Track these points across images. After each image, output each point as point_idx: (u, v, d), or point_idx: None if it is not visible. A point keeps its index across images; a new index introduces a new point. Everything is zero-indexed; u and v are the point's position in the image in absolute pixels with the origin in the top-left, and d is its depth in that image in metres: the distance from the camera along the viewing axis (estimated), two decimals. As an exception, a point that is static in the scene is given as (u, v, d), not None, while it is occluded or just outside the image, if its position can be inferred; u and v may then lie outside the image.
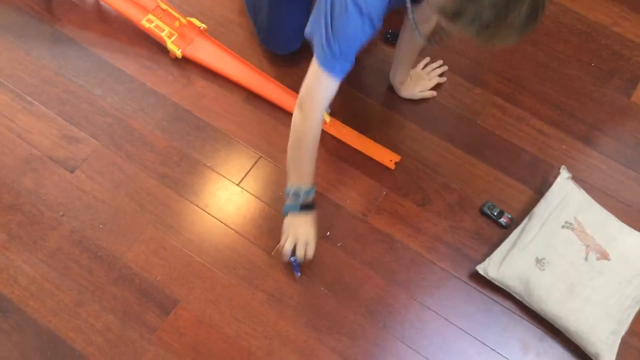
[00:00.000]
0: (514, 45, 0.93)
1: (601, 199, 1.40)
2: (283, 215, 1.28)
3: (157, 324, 1.24)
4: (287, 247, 1.25)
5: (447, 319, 1.28)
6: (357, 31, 1.06)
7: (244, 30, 1.62)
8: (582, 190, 1.37)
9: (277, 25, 1.49)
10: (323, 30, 1.07)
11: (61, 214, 1.34)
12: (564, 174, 1.37)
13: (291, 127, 1.20)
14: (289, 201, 1.26)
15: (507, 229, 1.36)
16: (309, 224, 1.26)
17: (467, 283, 1.32)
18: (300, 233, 1.25)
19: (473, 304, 1.30)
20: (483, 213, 1.38)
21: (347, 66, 1.11)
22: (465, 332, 1.27)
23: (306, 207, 1.25)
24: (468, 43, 1.61)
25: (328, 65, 1.10)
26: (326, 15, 1.06)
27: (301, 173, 1.22)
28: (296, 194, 1.23)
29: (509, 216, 1.37)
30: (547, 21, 1.70)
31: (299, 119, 1.18)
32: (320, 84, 1.13)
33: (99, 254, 1.30)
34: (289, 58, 1.57)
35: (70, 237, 1.32)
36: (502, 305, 1.30)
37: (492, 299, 1.30)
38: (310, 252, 1.26)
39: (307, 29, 1.16)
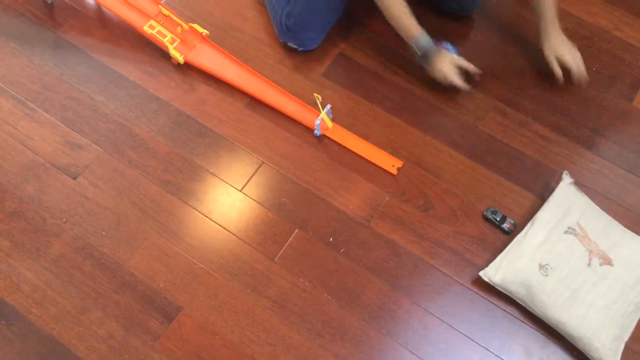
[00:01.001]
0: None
1: (603, 204, 1.40)
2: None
3: (160, 331, 1.24)
4: (454, 79, 1.46)
5: (450, 325, 1.28)
6: None
7: (245, 36, 1.62)
8: (585, 196, 1.37)
9: (310, 16, 1.53)
10: None
11: (64, 220, 1.34)
12: (567, 179, 1.37)
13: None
14: (418, 60, 1.47)
15: (510, 234, 1.36)
16: (439, 62, 1.46)
17: (469, 289, 1.32)
18: (441, 71, 1.46)
19: (476, 309, 1.30)
20: (486, 218, 1.38)
21: None
22: (469, 338, 1.27)
23: (429, 55, 1.45)
24: (469, 48, 1.62)
25: None
26: None
27: (406, 30, 1.44)
28: (415, 51, 1.45)
29: (512, 222, 1.37)
30: (548, 26, 1.69)
31: None
32: None
33: (102, 260, 1.30)
34: (290, 64, 1.58)
35: (73, 244, 1.32)
36: (505, 311, 1.30)
37: (494, 304, 1.30)
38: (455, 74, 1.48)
39: None
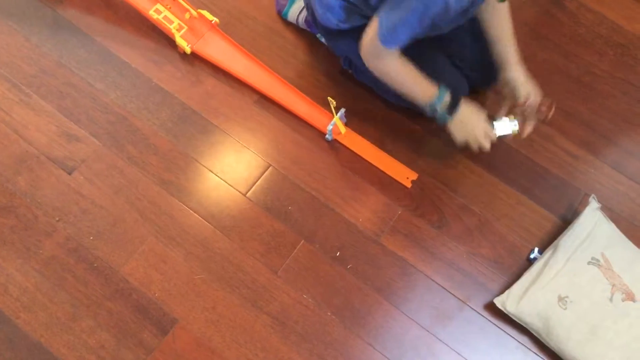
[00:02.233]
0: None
1: (628, 230, 1.32)
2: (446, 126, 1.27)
3: (153, 344, 1.17)
4: (475, 148, 1.26)
5: (459, 354, 1.21)
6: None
7: (258, 25, 1.51)
8: (611, 223, 1.29)
9: None
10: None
11: (57, 219, 1.27)
12: (594, 204, 1.29)
13: (376, 74, 1.22)
14: (437, 116, 1.24)
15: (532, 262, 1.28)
16: (469, 118, 1.24)
17: (481, 315, 1.25)
18: (471, 132, 1.25)
19: (487, 337, 1.23)
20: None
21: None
22: (478, 368, 1.21)
23: (452, 107, 1.23)
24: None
25: (386, 41, 1.11)
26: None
27: (423, 91, 1.22)
28: (434, 110, 1.22)
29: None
30: (582, 30, 1.59)
31: (379, 69, 1.20)
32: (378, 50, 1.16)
33: (95, 264, 1.23)
34: (305, 58, 1.48)
35: (66, 244, 1.24)
36: (518, 341, 1.23)
37: (507, 333, 1.24)
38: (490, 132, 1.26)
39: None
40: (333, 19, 1.27)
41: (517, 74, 1.27)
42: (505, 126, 1.28)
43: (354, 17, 1.23)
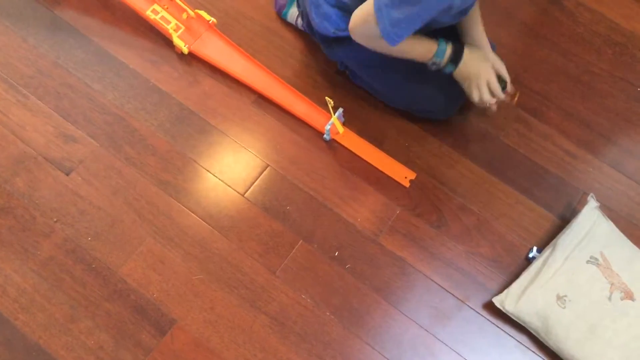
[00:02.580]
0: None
1: (627, 229, 1.32)
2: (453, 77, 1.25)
3: (152, 344, 1.17)
4: (485, 97, 1.22)
5: (459, 354, 1.21)
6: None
7: (256, 25, 1.51)
8: (610, 222, 1.28)
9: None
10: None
11: (54, 220, 1.26)
12: (592, 203, 1.29)
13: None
14: (442, 70, 1.22)
15: (531, 261, 1.28)
16: (473, 65, 1.21)
17: (480, 314, 1.25)
18: (476, 80, 1.21)
19: (486, 337, 1.23)
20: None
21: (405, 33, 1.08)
22: (477, 368, 1.21)
23: (455, 57, 1.20)
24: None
25: (390, 38, 1.08)
26: None
27: (421, 54, 1.19)
28: (435, 64, 1.20)
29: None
30: (580, 29, 1.58)
31: (374, 47, 1.17)
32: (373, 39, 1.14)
33: (94, 265, 1.23)
34: (303, 59, 1.47)
35: (64, 245, 1.24)
36: (516, 340, 1.23)
37: (506, 332, 1.23)
38: (495, 86, 1.23)
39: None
40: (330, 27, 1.26)
41: (486, 45, 1.26)
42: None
43: None
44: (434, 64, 1.20)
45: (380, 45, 1.16)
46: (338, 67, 1.43)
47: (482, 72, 1.22)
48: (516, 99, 1.31)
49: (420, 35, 1.17)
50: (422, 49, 1.19)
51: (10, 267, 1.22)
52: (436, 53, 1.18)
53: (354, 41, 1.19)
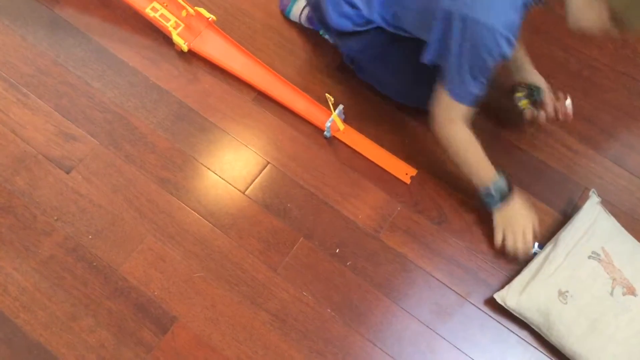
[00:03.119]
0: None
1: (628, 224, 1.31)
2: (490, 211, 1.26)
3: (153, 342, 1.17)
4: (510, 246, 1.24)
5: (460, 350, 1.21)
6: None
7: (256, 22, 1.51)
8: (612, 217, 1.28)
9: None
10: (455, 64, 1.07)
11: (55, 218, 1.26)
12: (594, 198, 1.28)
13: (444, 143, 1.22)
14: (487, 200, 1.24)
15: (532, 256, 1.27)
16: (518, 210, 1.24)
17: (481, 310, 1.24)
18: (514, 225, 1.23)
19: (487, 333, 1.23)
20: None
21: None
22: (479, 364, 1.20)
23: (505, 195, 1.22)
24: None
25: (459, 98, 1.12)
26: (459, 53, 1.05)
27: (483, 174, 1.22)
28: (489, 194, 1.22)
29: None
30: (581, 23, 1.57)
31: (450, 135, 1.20)
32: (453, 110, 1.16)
33: (94, 263, 1.23)
34: (303, 55, 1.47)
35: (64, 244, 1.24)
36: (518, 336, 1.23)
37: (507, 328, 1.23)
38: (529, 238, 1.24)
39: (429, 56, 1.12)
40: (349, 24, 1.26)
41: (536, 76, 1.33)
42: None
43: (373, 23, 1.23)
44: (486, 190, 1.22)
45: (455, 138, 1.20)
46: (344, 60, 1.42)
47: (523, 222, 1.24)
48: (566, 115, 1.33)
49: (487, 158, 1.22)
50: (484, 168, 1.22)
51: (11, 266, 1.22)
52: (495, 183, 1.21)
53: (369, 34, 1.22)
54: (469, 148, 1.21)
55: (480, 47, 1.02)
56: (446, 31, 1.04)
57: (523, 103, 1.33)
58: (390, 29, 1.24)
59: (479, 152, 1.21)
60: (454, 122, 1.18)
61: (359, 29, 1.26)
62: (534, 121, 1.35)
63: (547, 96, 1.31)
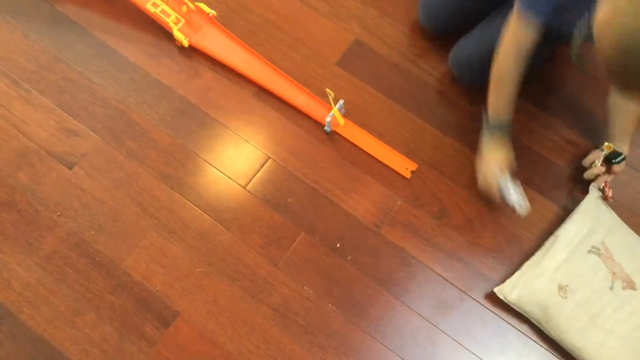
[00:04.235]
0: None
1: (629, 218, 1.32)
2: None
3: (156, 337, 1.18)
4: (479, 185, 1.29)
5: (460, 344, 1.21)
6: None
7: (256, 17, 1.51)
8: (612, 212, 1.28)
9: None
10: None
11: (58, 214, 1.27)
12: (594, 193, 1.28)
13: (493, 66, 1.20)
14: (484, 130, 1.28)
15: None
16: (490, 151, 1.26)
17: (481, 304, 1.25)
18: (483, 165, 1.28)
19: (487, 327, 1.23)
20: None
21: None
22: (480, 358, 1.21)
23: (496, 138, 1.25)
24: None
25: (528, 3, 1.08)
26: None
27: (500, 109, 1.23)
28: (488, 124, 1.25)
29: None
30: (583, 17, 1.57)
31: (499, 63, 1.18)
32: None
33: (97, 259, 1.24)
34: (303, 50, 1.47)
35: (67, 239, 1.25)
36: (518, 330, 1.24)
37: (507, 322, 1.24)
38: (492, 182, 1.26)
39: None
40: None
41: (626, 147, 1.32)
42: (512, 194, 1.24)
43: None
44: (486, 121, 1.27)
45: (502, 49, 1.17)
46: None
47: (488, 167, 1.27)
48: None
49: (508, 99, 1.22)
50: (504, 106, 1.23)
51: (15, 261, 1.23)
52: (498, 121, 1.24)
53: None
54: (507, 84, 1.20)
55: None
56: None
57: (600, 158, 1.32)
58: None
59: (508, 94, 1.20)
60: (510, 50, 1.15)
61: None
62: (594, 176, 1.33)
63: (620, 167, 1.32)
